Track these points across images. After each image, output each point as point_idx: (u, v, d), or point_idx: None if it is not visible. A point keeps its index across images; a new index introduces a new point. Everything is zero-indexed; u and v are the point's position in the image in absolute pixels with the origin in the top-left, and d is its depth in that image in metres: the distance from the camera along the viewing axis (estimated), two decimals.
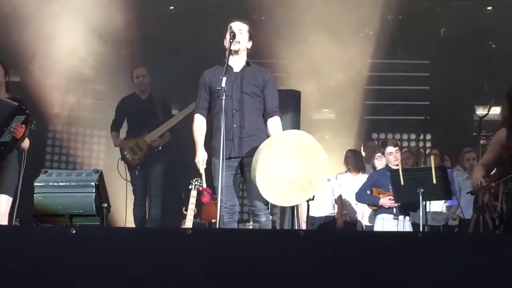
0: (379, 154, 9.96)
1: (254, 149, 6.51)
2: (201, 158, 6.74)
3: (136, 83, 9.99)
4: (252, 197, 6.70)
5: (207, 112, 6.93)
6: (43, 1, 10.36)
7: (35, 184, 6.43)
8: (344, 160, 10.57)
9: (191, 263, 4.88)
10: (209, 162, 6.77)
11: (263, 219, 6.73)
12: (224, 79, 6.45)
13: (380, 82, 13.00)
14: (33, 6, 10.34)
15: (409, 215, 8.75)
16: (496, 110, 9.10)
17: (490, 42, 12.87)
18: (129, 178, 9.78)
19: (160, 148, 9.78)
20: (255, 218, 6.80)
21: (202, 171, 6.73)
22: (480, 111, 8.97)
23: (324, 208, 9.95)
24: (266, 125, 6.84)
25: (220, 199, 6.36)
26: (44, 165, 12.07)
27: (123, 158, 9.77)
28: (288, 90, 9.11)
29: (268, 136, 6.73)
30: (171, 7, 12.61)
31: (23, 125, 7.10)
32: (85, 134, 12.78)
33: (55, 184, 6.42)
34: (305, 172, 6.42)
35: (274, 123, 6.82)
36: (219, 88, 6.44)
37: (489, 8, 12.58)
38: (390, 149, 9.08)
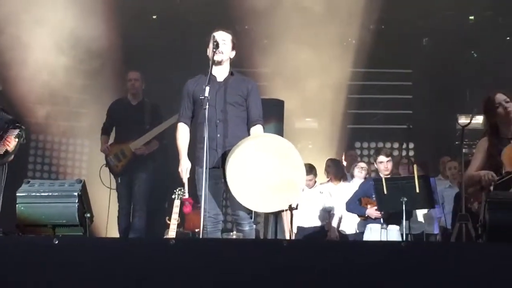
0: (362, 165, 9.98)
1: None
2: (184, 167, 6.74)
3: (128, 86, 9.88)
4: (235, 206, 6.67)
5: (191, 121, 6.92)
6: (19, 10, 10.30)
7: (17, 194, 6.38)
8: (324, 170, 10.58)
9: (174, 273, 4.87)
10: (192, 171, 6.76)
11: (246, 228, 6.72)
12: (207, 88, 6.45)
13: (363, 91, 13.07)
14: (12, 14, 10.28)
15: (397, 224, 8.73)
16: (478, 119, 9.11)
17: (472, 52, 12.98)
18: (113, 186, 9.67)
19: (144, 155, 9.65)
20: (238, 227, 6.77)
21: (185, 180, 6.72)
22: (463, 120, 8.96)
23: (314, 219, 9.95)
24: (249, 134, 6.84)
25: (204, 208, 6.35)
26: (27, 174, 12.06)
27: (107, 164, 9.66)
28: (271, 99, 9.15)
29: None
30: (154, 17, 12.61)
31: (16, 139, 7.09)
32: (67, 143, 12.75)
33: (38, 194, 6.36)
34: (281, 174, 6.39)
35: (256, 132, 6.83)
36: (202, 97, 6.43)
37: (471, 17, 12.67)
38: (381, 158, 9.06)
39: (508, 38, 12.74)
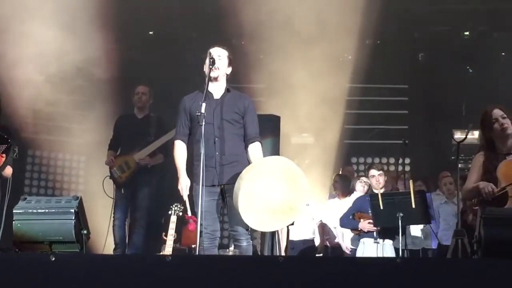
0: (364, 179, 9.95)
1: (236, 175, 6.54)
2: (184, 185, 6.75)
3: (134, 100, 9.90)
4: (233, 222, 6.72)
5: (188, 138, 6.94)
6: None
7: (14, 211, 6.39)
8: (332, 185, 10.58)
9: None
10: (191, 188, 6.77)
11: (244, 243, 6.75)
12: (204, 105, 6.47)
13: (359, 106, 13.07)
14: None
15: (392, 239, 8.74)
16: (474, 134, 9.16)
17: (468, 67, 13.01)
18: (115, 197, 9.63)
19: (149, 167, 9.63)
20: (236, 243, 6.80)
21: (185, 198, 6.72)
22: (458, 135, 8.98)
23: (303, 232, 9.96)
24: (246, 151, 6.88)
25: (200, 224, 6.37)
26: (24, 190, 12.05)
27: (111, 176, 9.61)
28: (267, 115, 9.15)
29: (249, 161, 6.78)
30: (151, 32, 12.64)
31: (3, 154, 7.07)
32: (64, 159, 12.74)
33: (34, 211, 6.37)
34: (286, 197, 6.47)
35: (255, 149, 6.86)
36: (199, 114, 6.45)
37: (467, 33, 12.70)
38: (373, 172, 9.11)
39: (503, 53, 12.77)
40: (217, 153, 6.71)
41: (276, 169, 6.53)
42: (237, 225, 6.70)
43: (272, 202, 6.45)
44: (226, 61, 6.97)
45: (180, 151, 6.89)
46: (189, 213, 6.81)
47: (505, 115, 6.45)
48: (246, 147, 6.88)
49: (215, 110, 6.78)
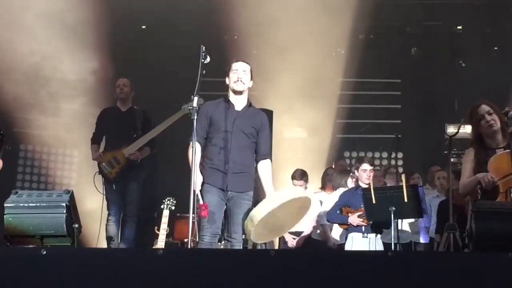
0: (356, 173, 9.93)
1: (243, 184, 7.03)
2: (198, 180, 6.85)
3: (116, 92, 9.82)
4: (234, 228, 6.99)
5: (204, 141, 7.16)
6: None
7: (5, 205, 6.37)
8: (321, 178, 10.55)
9: (162, 283, 4.86)
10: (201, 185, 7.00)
11: (236, 246, 7.00)
12: (196, 98, 6.49)
13: (352, 100, 13.08)
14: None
15: (380, 233, 8.75)
16: (466, 129, 9.17)
17: (461, 61, 13.02)
18: (105, 193, 9.59)
19: (138, 162, 9.60)
20: (232, 246, 6.97)
21: (197, 191, 6.79)
22: (451, 130, 9.01)
23: (298, 225, 9.92)
24: (255, 165, 7.18)
25: (192, 217, 6.39)
26: (15, 185, 12.03)
27: (100, 171, 9.52)
28: (260, 109, 9.13)
29: (257, 176, 7.19)
30: (144, 27, 12.63)
31: None
32: (56, 154, 12.73)
33: (26, 205, 6.36)
34: (285, 219, 6.82)
35: (265, 166, 7.18)
36: (191, 108, 6.46)
37: (459, 27, 12.73)
38: (365, 166, 9.06)
39: (495, 48, 12.80)
40: (231, 161, 6.99)
41: (292, 202, 6.68)
42: (238, 232, 6.98)
43: (274, 224, 6.73)
44: (249, 76, 7.22)
45: (196, 152, 6.95)
46: (202, 202, 6.85)
47: (491, 111, 6.45)
48: (256, 162, 7.17)
49: (236, 122, 7.07)
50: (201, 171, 6.95)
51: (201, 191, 6.90)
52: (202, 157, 7.08)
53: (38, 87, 11.25)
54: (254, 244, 8.70)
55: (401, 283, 4.79)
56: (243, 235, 7.02)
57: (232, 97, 7.16)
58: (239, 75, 7.09)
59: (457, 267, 4.92)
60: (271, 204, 6.48)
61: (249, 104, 7.24)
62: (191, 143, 6.96)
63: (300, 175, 9.83)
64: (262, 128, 7.20)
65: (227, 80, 7.21)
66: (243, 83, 7.12)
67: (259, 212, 6.46)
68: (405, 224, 9.48)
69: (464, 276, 4.83)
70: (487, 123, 6.41)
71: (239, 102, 7.18)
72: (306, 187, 10.10)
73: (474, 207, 5.51)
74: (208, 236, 6.83)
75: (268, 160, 7.19)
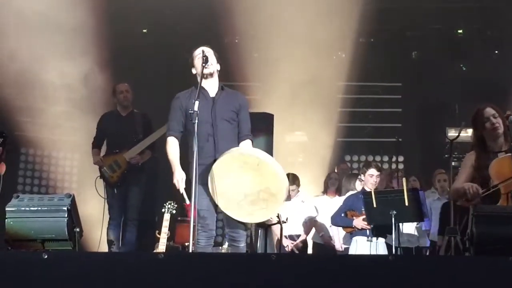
0: (363, 178, 9.87)
1: None
2: (179, 177, 6.68)
3: (119, 99, 9.76)
4: (233, 224, 6.72)
5: (181, 135, 6.91)
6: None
7: (6, 209, 6.39)
8: (324, 182, 10.52)
9: (163, 287, 4.87)
10: (188, 183, 6.72)
11: (242, 245, 6.76)
12: (197, 103, 6.44)
13: (353, 104, 13.09)
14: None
15: (384, 237, 8.74)
16: (467, 132, 9.17)
17: (461, 65, 13.03)
18: (106, 197, 9.59)
19: (139, 165, 9.61)
20: (233, 243, 6.76)
21: (182, 190, 6.67)
22: (452, 133, 9.02)
23: (296, 228, 9.92)
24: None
25: (193, 220, 6.36)
26: (16, 189, 12.03)
27: (102, 176, 9.52)
28: (261, 113, 9.17)
29: None
30: (144, 30, 12.64)
31: (1, 148, 7.06)
32: (57, 157, 12.74)
33: (27, 209, 6.37)
34: (258, 185, 6.45)
35: (245, 146, 6.86)
36: (192, 112, 6.44)
37: (460, 31, 12.74)
38: (373, 171, 9.06)
39: (496, 51, 12.80)
40: (213, 151, 6.71)
41: (233, 162, 6.50)
42: (237, 228, 6.71)
43: (247, 194, 6.45)
44: (215, 59, 6.96)
45: (173, 147, 6.85)
46: (187, 202, 6.73)
47: (496, 114, 6.45)
48: (238, 144, 6.86)
49: (212, 109, 6.80)
50: (183, 167, 6.72)
51: (185, 189, 6.68)
52: (184, 152, 6.78)
53: (37, 90, 11.23)
54: (256, 232, 8.66)
55: (402, 287, 4.80)
56: (247, 231, 6.85)
57: (204, 83, 6.81)
58: (205, 57, 6.78)
59: (458, 271, 4.92)
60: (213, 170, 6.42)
61: (221, 87, 6.96)
62: (169, 138, 6.94)
63: (292, 180, 9.74)
64: (241, 108, 6.92)
65: (193, 70, 6.94)
66: (212, 64, 6.84)
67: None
68: (412, 228, 9.48)
69: (465, 279, 4.83)
70: (492, 126, 6.40)
71: (211, 87, 6.90)
72: (298, 191, 10.08)
73: (475, 211, 5.51)
74: (203, 240, 6.64)
75: (248, 140, 6.90)
